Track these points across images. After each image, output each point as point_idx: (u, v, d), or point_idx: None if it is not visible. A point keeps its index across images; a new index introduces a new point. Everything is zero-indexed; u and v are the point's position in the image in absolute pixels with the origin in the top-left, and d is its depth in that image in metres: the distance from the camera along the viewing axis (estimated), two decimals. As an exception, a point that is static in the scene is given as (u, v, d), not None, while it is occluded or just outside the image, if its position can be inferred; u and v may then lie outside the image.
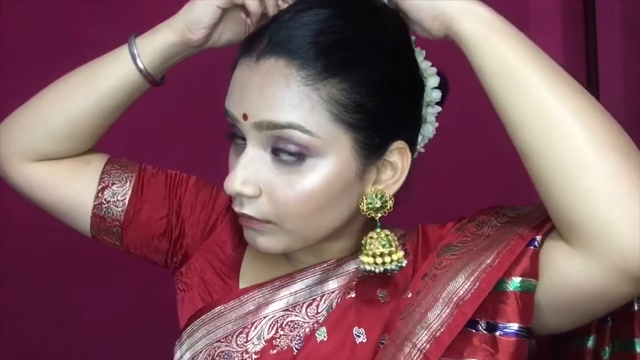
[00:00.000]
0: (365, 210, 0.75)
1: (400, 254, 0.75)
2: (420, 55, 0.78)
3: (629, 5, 1.62)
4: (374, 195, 0.75)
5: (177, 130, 1.57)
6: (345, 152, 0.72)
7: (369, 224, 0.78)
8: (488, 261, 0.70)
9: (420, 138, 0.80)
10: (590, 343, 0.76)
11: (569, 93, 0.66)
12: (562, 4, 1.65)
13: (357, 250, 0.80)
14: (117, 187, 0.90)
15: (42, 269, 1.66)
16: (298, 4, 0.74)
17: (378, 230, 0.76)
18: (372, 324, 0.76)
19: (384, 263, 0.74)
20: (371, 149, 0.74)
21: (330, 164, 0.72)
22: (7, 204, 1.60)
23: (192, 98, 1.49)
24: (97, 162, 0.91)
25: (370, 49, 0.73)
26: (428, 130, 0.80)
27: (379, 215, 0.75)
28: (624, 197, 0.63)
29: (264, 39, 0.72)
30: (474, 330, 0.69)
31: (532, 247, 0.69)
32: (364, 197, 0.75)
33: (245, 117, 0.72)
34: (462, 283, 0.70)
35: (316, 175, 0.72)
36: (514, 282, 0.69)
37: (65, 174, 0.89)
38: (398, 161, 0.76)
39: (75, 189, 0.89)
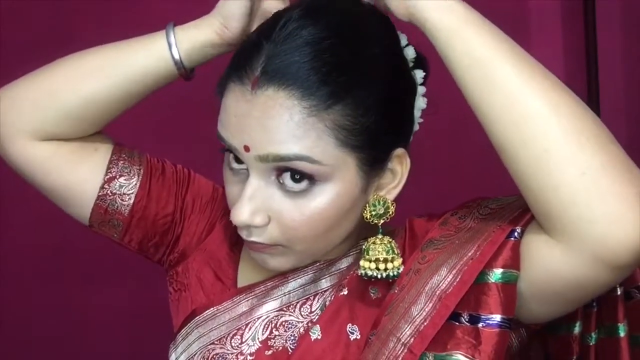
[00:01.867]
0: (369, 217, 0.75)
1: (400, 260, 0.75)
2: (409, 50, 0.77)
3: (629, 5, 1.62)
4: (376, 202, 0.75)
5: (176, 128, 1.57)
6: (351, 172, 0.72)
7: (364, 226, 0.78)
8: (469, 254, 0.70)
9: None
10: (576, 330, 0.76)
11: (544, 86, 0.65)
12: (562, 4, 1.65)
13: (349, 250, 0.81)
14: (125, 180, 0.86)
15: (41, 268, 1.66)
16: (286, 23, 0.70)
17: (380, 236, 0.76)
18: (365, 320, 0.76)
19: (386, 269, 0.75)
20: (375, 163, 0.74)
21: (337, 186, 0.71)
22: (6, 203, 1.61)
23: (191, 97, 1.49)
24: (104, 150, 0.86)
25: (368, 65, 0.72)
26: (415, 125, 0.80)
27: (382, 221, 0.76)
28: (601, 191, 0.62)
29: (256, 65, 0.69)
30: (457, 323, 0.69)
31: (512, 239, 0.69)
32: (367, 205, 0.75)
33: (247, 149, 0.70)
34: (445, 276, 0.70)
35: (324, 199, 0.71)
36: (496, 274, 0.68)
37: (70, 159, 0.84)
38: (397, 167, 0.76)
39: (79, 177, 0.85)
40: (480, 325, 0.68)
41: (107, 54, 0.84)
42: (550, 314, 0.72)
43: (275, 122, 0.68)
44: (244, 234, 0.75)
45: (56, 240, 1.59)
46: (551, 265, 0.66)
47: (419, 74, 0.78)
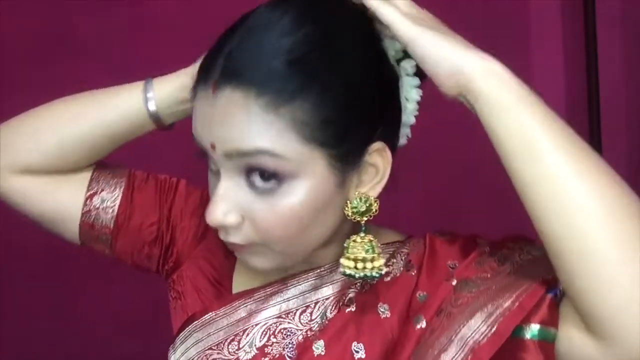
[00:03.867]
0: (350, 215, 0.73)
1: (382, 261, 0.73)
2: (391, 45, 0.74)
3: (629, 5, 1.62)
4: (358, 200, 0.73)
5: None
6: (321, 168, 0.70)
7: (357, 227, 0.75)
8: (507, 304, 0.67)
9: (405, 130, 0.78)
10: None
11: (598, 181, 0.62)
12: (562, 4, 1.65)
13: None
14: (107, 194, 0.88)
15: (40, 269, 1.66)
16: (244, 22, 0.70)
17: (362, 234, 0.74)
18: (372, 339, 0.75)
19: (364, 268, 0.72)
20: (347, 158, 0.71)
21: (306, 183, 0.69)
22: (4, 203, 1.61)
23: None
24: (84, 170, 0.89)
25: (328, 61, 0.69)
26: (409, 119, 0.77)
27: (365, 219, 0.73)
28: None
29: (217, 67, 0.69)
30: None
31: (551, 294, 0.67)
32: (348, 202, 0.73)
33: (213, 146, 0.70)
34: (479, 326, 0.68)
35: (294, 197, 0.70)
36: (532, 330, 0.67)
37: (51, 184, 0.87)
38: (379, 162, 0.73)
39: (62, 198, 0.87)
40: None
41: (87, 99, 0.88)
42: None
43: (235, 120, 0.68)
44: (222, 235, 0.74)
45: (55, 241, 1.58)
46: (581, 355, 0.65)
47: (408, 64, 0.75)
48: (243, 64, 0.68)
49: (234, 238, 0.73)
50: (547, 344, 0.66)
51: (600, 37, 1.61)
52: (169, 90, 0.84)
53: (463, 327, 0.69)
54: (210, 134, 0.70)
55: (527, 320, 0.67)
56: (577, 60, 1.64)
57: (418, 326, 0.73)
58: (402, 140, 0.79)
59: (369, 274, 0.73)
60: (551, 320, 0.67)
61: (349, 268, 0.73)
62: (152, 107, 0.84)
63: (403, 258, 0.78)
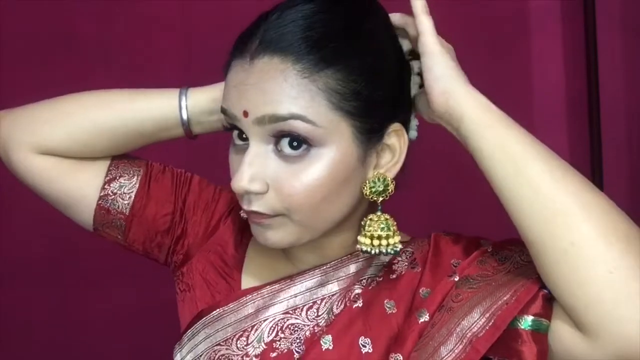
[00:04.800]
0: (368, 194, 0.76)
1: (397, 238, 0.76)
2: (403, 42, 0.80)
3: (629, 5, 1.62)
4: (376, 179, 0.76)
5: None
6: (346, 139, 0.73)
7: (370, 211, 0.78)
8: (505, 298, 0.70)
9: (414, 122, 0.82)
10: None
11: (575, 185, 0.68)
12: (562, 4, 1.65)
13: (355, 251, 0.81)
14: (125, 180, 0.89)
15: (43, 270, 1.66)
16: (283, 3, 0.75)
17: (379, 213, 0.77)
18: (378, 334, 0.77)
19: (380, 245, 0.76)
20: (370, 133, 0.75)
21: (333, 152, 0.73)
22: (7, 203, 1.61)
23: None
24: (104, 157, 0.90)
25: (358, 38, 0.74)
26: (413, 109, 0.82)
27: (381, 198, 0.76)
28: (629, 291, 0.64)
29: (254, 39, 0.73)
30: None
31: (546, 290, 0.70)
32: (367, 181, 0.76)
33: (245, 114, 0.73)
34: (477, 319, 0.71)
35: (320, 165, 0.73)
36: (526, 321, 0.70)
37: (71, 167, 0.88)
38: (396, 143, 0.77)
39: (81, 181, 0.88)
40: None
41: (123, 94, 0.89)
42: None
43: (270, 84, 0.72)
44: (244, 204, 0.76)
45: (58, 242, 1.59)
46: (575, 355, 0.68)
47: (416, 64, 0.80)
48: (281, 34, 0.72)
49: (256, 206, 0.75)
50: (540, 335, 0.69)
51: (600, 37, 1.62)
52: (202, 100, 0.86)
53: (462, 320, 0.72)
54: (243, 100, 0.73)
55: (522, 312, 0.70)
56: (577, 60, 1.64)
57: (421, 320, 0.75)
58: (413, 133, 0.82)
59: (384, 250, 0.76)
60: (544, 313, 0.70)
61: (366, 245, 0.76)
62: (184, 114, 0.87)
63: (408, 257, 0.81)
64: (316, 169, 0.73)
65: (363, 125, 0.74)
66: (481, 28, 1.64)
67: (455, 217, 1.50)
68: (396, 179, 0.77)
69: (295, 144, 0.72)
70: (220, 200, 0.92)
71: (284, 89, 0.71)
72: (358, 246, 0.76)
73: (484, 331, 0.70)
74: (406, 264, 0.80)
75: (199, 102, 0.86)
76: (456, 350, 0.70)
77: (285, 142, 0.73)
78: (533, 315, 0.69)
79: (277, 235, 0.76)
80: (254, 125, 0.73)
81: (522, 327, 0.69)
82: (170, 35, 1.64)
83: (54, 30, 1.64)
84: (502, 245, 0.78)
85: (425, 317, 0.75)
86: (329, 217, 0.76)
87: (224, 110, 0.76)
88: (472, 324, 0.71)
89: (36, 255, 1.65)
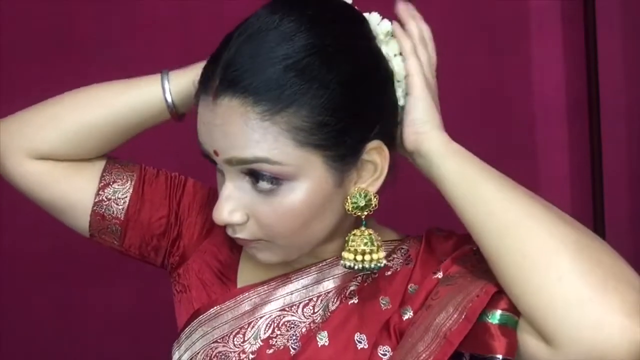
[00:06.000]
0: (350, 209, 0.76)
1: (382, 254, 0.76)
2: (383, 44, 0.77)
3: (629, 6, 1.62)
4: (357, 195, 0.76)
5: (174, 132, 1.57)
6: (319, 169, 0.73)
7: (359, 222, 0.78)
8: (476, 291, 0.72)
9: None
10: None
11: (522, 200, 0.72)
12: (562, 4, 1.65)
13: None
14: (118, 186, 0.89)
15: (43, 268, 1.65)
16: (243, 28, 0.73)
17: (362, 228, 0.77)
18: (374, 330, 0.77)
19: (363, 260, 0.76)
20: (344, 159, 0.74)
21: (306, 184, 0.73)
22: (7, 203, 1.61)
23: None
24: (97, 162, 0.91)
25: (325, 65, 0.71)
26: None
27: (365, 213, 0.76)
28: (580, 297, 0.65)
29: (216, 75, 0.72)
30: None
31: None
32: (348, 197, 0.76)
33: (216, 153, 0.74)
34: (451, 313, 0.72)
35: (295, 196, 0.73)
36: (494, 315, 0.71)
37: (65, 172, 0.88)
38: (377, 159, 0.76)
39: (75, 187, 0.89)
40: None
41: (107, 88, 0.89)
42: None
43: (233, 128, 0.71)
44: (229, 232, 0.78)
45: (57, 241, 1.58)
46: (536, 356, 0.69)
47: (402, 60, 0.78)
48: (241, 72, 0.71)
49: (240, 234, 0.77)
50: (508, 329, 0.70)
51: (600, 37, 1.61)
52: (184, 82, 0.86)
53: (438, 316, 0.73)
54: (212, 141, 0.74)
55: (491, 306, 0.71)
56: (577, 60, 1.64)
57: (405, 317, 0.76)
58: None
59: (367, 265, 0.76)
60: (513, 309, 0.71)
61: (349, 260, 0.76)
62: (169, 97, 0.86)
63: (403, 254, 0.81)
64: (291, 201, 0.73)
65: (335, 153, 0.73)
66: (481, 28, 1.64)
67: (453, 216, 1.49)
68: (380, 192, 0.77)
69: (266, 179, 0.73)
70: (214, 202, 0.91)
71: (245, 133, 0.71)
72: (342, 262, 0.76)
73: (457, 325, 0.71)
74: (401, 260, 0.81)
75: (181, 83, 0.86)
76: (432, 346, 0.71)
77: (257, 177, 0.73)
78: (501, 310, 0.71)
79: (265, 255, 0.79)
80: (225, 164, 0.74)
81: (491, 321, 0.71)
82: (171, 35, 1.64)
83: (54, 29, 1.64)
84: None
85: (409, 314, 0.76)
86: (313, 237, 0.78)
87: (199, 144, 0.76)
88: (447, 319, 0.72)
89: (36, 255, 1.65)
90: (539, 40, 1.65)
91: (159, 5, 1.64)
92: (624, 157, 1.64)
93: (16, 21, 1.63)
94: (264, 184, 0.73)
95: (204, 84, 0.74)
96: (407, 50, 0.77)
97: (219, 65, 0.72)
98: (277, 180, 0.72)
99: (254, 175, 0.73)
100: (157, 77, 0.87)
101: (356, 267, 0.76)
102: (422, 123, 0.76)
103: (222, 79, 0.71)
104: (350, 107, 0.73)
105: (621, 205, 1.64)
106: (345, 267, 0.77)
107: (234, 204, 0.75)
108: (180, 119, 0.89)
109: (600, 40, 1.62)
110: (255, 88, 0.70)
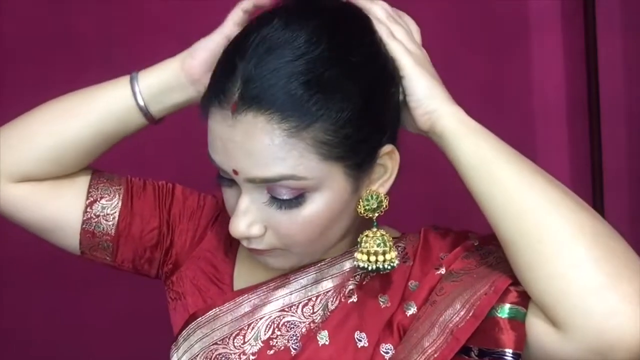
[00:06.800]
0: (363, 212, 0.77)
1: (394, 254, 0.76)
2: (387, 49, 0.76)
3: (629, 6, 1.62)
4: (369, 197, 0.76)
5: (171, 136, 1.57)
6: (339, 179, 0.73)
7: (364, 222, 0.79)
8: (484, 289, 0.72)
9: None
10: None
11: (541, 184, 0.71)
12: (562, 4, 1.65)
13: (351, 249, 0.81)
14: (106, 201, 0.88)
15: (40, 273, 1.65)
16: (259, 42, 0.71)
17: (374, 229, 0.77)
18: (374, 329, 0.77)
19: (377, 261, 0.76)
20: (362, 166, 0.75)
21: (326, 194, 0.73)
22: (3, 213, 1.60)
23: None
24: (82, 178, 0.89)
25: (345, 77, 0.71)
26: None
27: (376, 214, 0.77)
28: (595, 284, 0.66)
29: (234, 89, 0.70)
30: (466, 357, 0.72)
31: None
32: (360, 200, 0.76)
33: (235, 172, 0.73)
34: (458, 310, 0.72)
35: (315, 206, 0.73)
36: (503, 309, 0.71)
37: (48, 192, 0.86)
38: (388, 162, 0.77)
39: (61, 206, 0.87)
40: (487, 359, 0.71)
41: (76, 98, 0.87)
42: None
43: (257, 146, 0.70)
44: (244, 243, 0.77)
45: (54, 246, 1.58)
46: (549, 349, 0.69)
47: None
48: (264, 87, 0.69)
49: (256, 245, 0.77)
50: (517, 322, 0.71)
51: (600, 37, 1.61)
52: (155, 82, 0.84)
53: (444, 312, 0.73)
54: (231, 160, 0.72)
55: (499, 301, 0.71)
56: (577, 60, 1.64)
57: (409, 313, 0.77)
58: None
59: (381, 266, 0.76)
60: (521, 302, 0.71)
61: (363, 261, 0.76)
62: (140, 100, 0.83)
63: (400, 252, 0.81)
64: (312, 210, 0.73)
65: (353, 163, 0.74)
66: (481, 28, 1.64)
67: (452, 215, 1.49)
68: (389, 193, 0.77)
69: (287, 194, 0.72)
70: (206, 207, 0.91)
71: (272, 151, 0.70)
72: (355, 263, 0.77)
73: (464, 322, 0.71)
74: (399, 258, 0.80)
75: (152, 84, 0.83)
76: (438, 342, 0.72)
77: (278, 192, 0.72)
78: (510, 304, 0.71)
79: (278, 262, 0.79)
80: (246, 182, 0.73)
81: (500, 315, 0.71)
82: (171, 35, 1.64)
83: (54, 30, 1.63)
84: (488, 240, 0.79)
85: (412, 310, 0.77)
86: (328, 242, 0.79)
87: (212, 161, 0.74)
88: (454, 315, 0.72)
89: (36, 256, 1.65)
90: (539, 40, 1.65)
91: (159, 5, 1.64)
92: (624, 157, 1.64)
93: (16, 21, 1.63)
94: (284, 197, 0.72)
95: (219, 96, 0.72)
96: (385, 35, 0.76)
97: (237, 79, 0.70)
98: (298, 194, 0.72)
99: (275, 190, 0.72)
100: (126, 79, 0.84)
101: (370, 268, 0.76)
102: (428, 100, 0.75)
103: (242, 93, 0.70)
104: (369, 116, 0.73)
105: (621, 205, 1.64)
106: (358, 268, 0.77)
107: (252, 217, 0.74)
108: (157, 123, 0.86)
109: (600, 40, 1.62)
110: (282, 104, 0.69)
